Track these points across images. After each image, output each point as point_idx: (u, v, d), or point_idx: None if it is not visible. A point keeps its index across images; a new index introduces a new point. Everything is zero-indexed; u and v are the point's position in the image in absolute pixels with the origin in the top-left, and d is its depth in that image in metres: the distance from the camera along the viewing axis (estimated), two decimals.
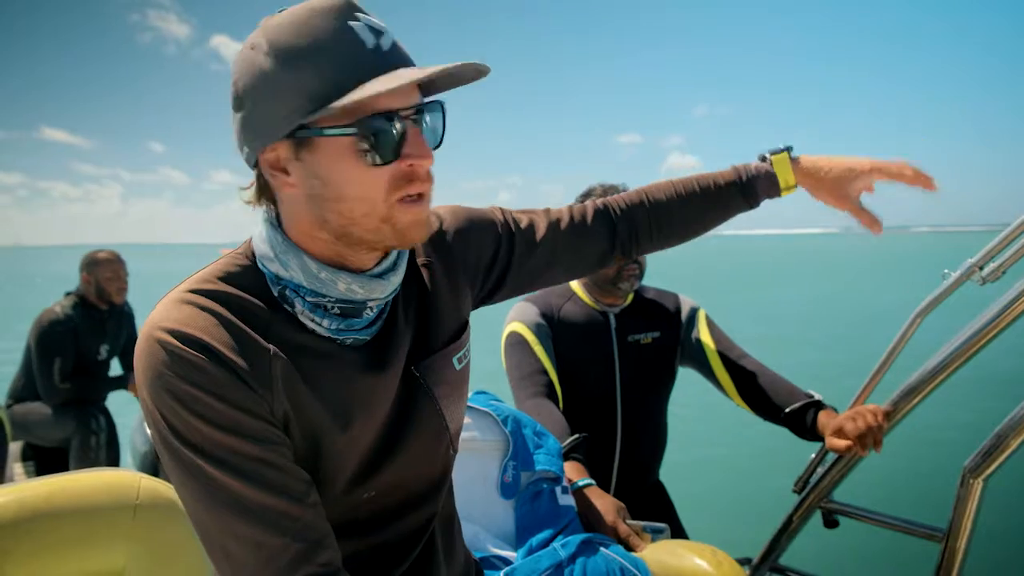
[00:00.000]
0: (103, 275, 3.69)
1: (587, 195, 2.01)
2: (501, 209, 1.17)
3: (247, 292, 0.84)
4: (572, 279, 1.25)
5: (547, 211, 1.20)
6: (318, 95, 0.77)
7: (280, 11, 0.82)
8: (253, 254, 0.89)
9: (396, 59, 0.80)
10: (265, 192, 0.88)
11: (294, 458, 0.84)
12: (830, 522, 1.83)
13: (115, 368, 4.01)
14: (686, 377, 2.14)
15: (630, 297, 2.07)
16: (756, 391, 1.89)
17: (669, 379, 2.09)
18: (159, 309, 0.81)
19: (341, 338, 0.88)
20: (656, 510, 2.07)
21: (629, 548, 1.46)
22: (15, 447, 3.68)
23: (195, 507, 0.78)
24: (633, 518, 1.57)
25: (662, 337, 2.05)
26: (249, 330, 0.81)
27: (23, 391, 3.66)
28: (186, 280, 0.85)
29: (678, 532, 2.04)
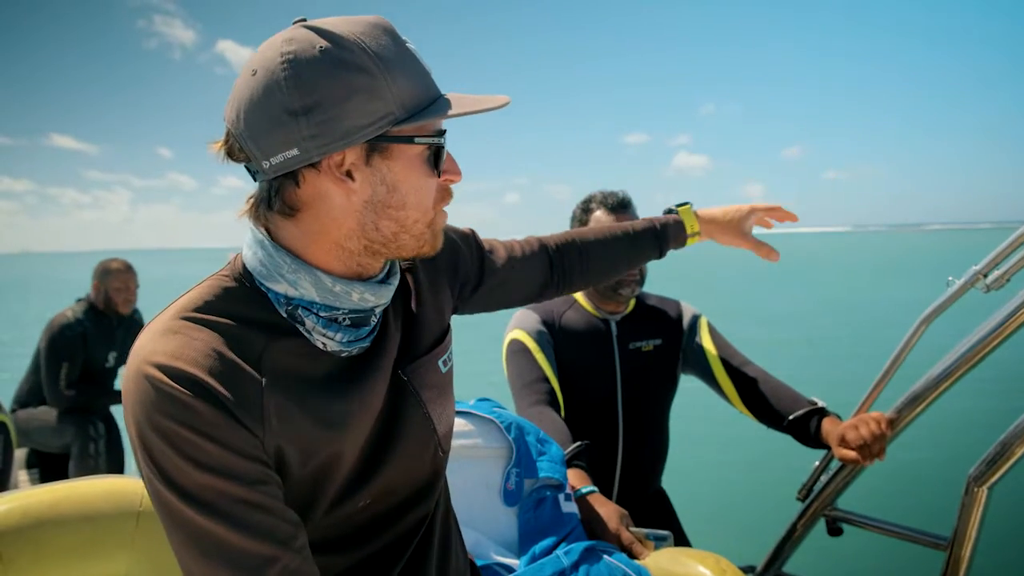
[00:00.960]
0: (112, 285, 3.72)
1: (588, 202, 2.02)
2: (471, 230, 1.25)
3: (237, 317, 0.82)
4: (510, 307, 1.36)
5: (501, 241, 1.30)
6: (408, 104, 0.81)
7: (300, 21, 0.81)
8: (241, 275, 0.86)
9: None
10: (284, 208, 0.84)
11: (292, 482, 0.83)
12: (834, 530, 1.82)
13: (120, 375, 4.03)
14: (688, 384, 2.13)
15: (632, 304, 2.07)
16: (759, 398, 1.89)
17: (671, 386, 2.08)
18: (146, 339, 0.79)
19: (349, 350, 0.89)
20: (658, 518, 2.07)
21: (632, 556, 1.46)
22: (20, 454, 3.68)
23: (181, 553, 0.77)
24: (636, 526, 1.57)
25: (664, 344, 2.05)
26: (240, 360, 0.79)
27: (27, 396, 3.67)
28: (172, 305, 0.83)
29: (680, 540, 2.04)
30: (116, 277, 3.72)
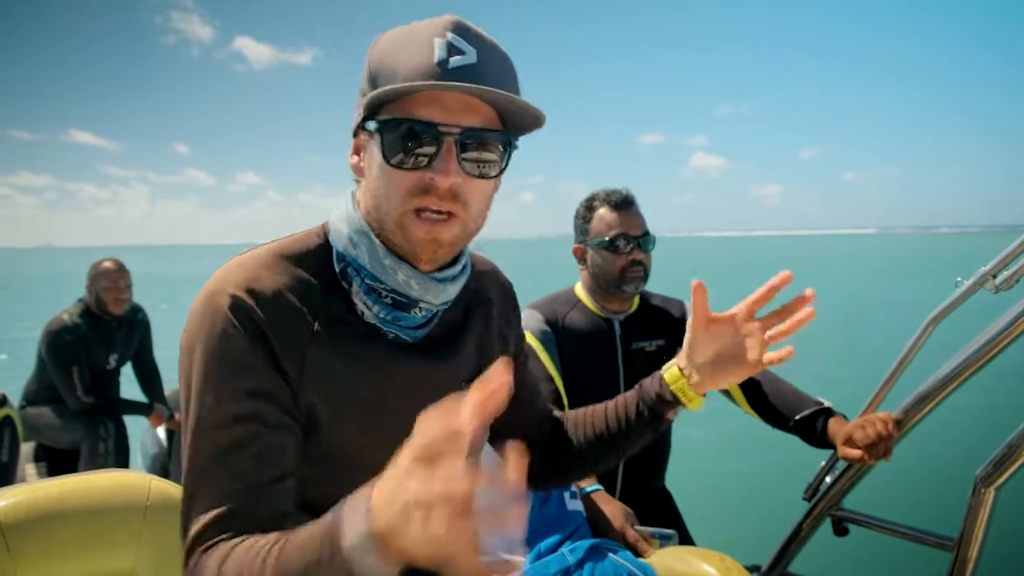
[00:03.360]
0: (101, 285, 3.65)
1: (591, 200, 2.02)
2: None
3: (312, 270, 0.89)
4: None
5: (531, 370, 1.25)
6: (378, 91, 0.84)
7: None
8: (327, 231, 0.93)
9: (458, 77, 0.82)
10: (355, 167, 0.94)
11: (328, 437, 0.88)
12: (840, 530, 1.82)
13: (123, 373, 4.01)
14: None
15: (636, 303, 2.06)
16: (765, 399, 1.88)
17: None
18: (232, 266, 0.87)
19: (385, 329, 0.91)
20: (662, 517, 2.06)
21: (637, 554, 1.46)
22: (27, 448, 3.69)
23: (184, 465, 0.83)
24: (640, 524, 1.57)
25: (667, 345, 2.04)
26: (302, 309, 0.86)
27: (36, 394, 3.68)
28: (267, 245, 0.91)
29: (684, 539, 2.04)
30: (105, 277, 3.66)
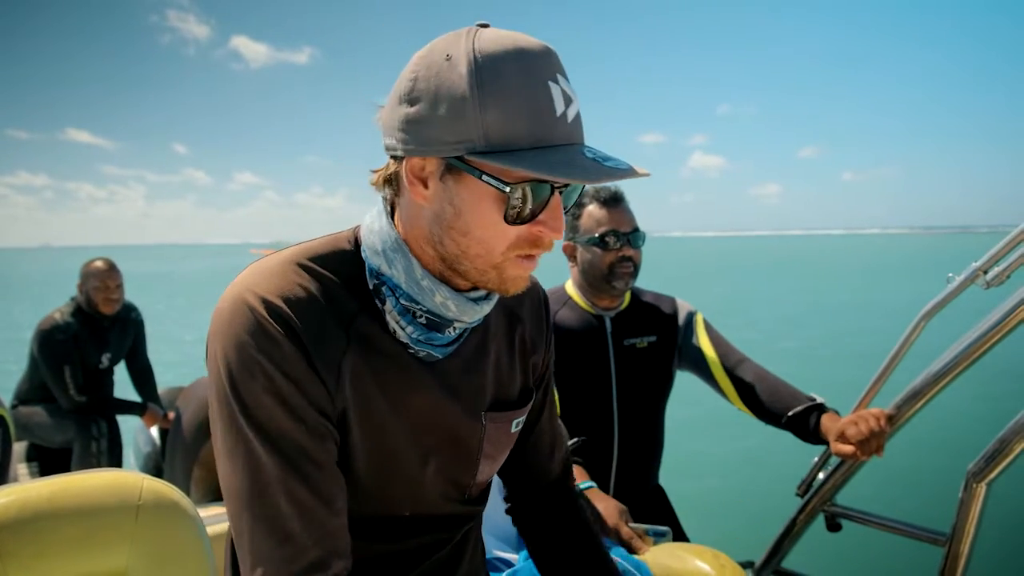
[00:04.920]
0: (91, 285, 3.63)
1: (580, 196, 2.01)
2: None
3: (343, 279, 0.87)
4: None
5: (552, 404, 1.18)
6: (493, 138, 0.75)
7: (481, 25, 0.80)
8: (357, 240, 0.90)
9: (576, 134, 0.79)
10: (393, 184, 0.87)
11: (349, 452, 0.86)
12: (833, 525, 1.83)
13: (117, 372, 3.99)
14: (686, 379, 2.13)
15: (627, 300, 2.06)
16: (758, 396, 1.88)
17: (666, 383, 2.07)
18: (255, 273, 0.83)
19: (416, 348, 0.89)
20: (656, 513, 2.06)
21: (631, 551, 1.46)
22: (19, 447, 3.68)
23: (232, 476, 0.80)
24: (634, 521, 1.57)
25: (659, 341, 2.04)
26: (335, 319, 0.84)
27: (28, 393, 3.66)
28: (289, 250, 0.87)
29: (678, 535, 2.04)
30: (95, 277, 3.64)
